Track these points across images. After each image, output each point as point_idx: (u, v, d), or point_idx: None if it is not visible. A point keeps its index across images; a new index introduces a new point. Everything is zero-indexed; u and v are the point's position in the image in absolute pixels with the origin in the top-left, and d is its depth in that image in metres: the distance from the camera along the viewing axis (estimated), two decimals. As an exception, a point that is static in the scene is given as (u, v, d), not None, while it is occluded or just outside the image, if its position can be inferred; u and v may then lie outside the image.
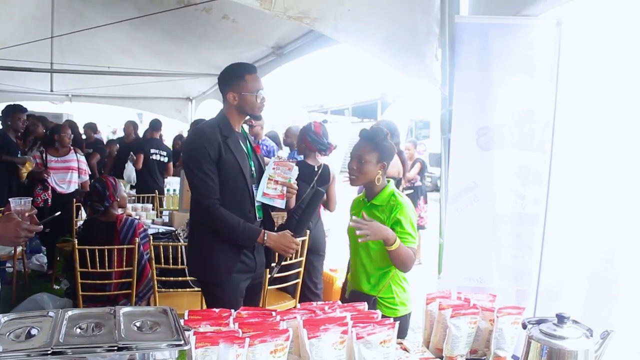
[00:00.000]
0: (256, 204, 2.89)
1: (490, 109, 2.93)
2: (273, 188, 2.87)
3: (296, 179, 2.96)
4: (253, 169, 2.91)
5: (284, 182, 2.88)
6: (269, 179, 2.87)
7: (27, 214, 2.06)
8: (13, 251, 5.14)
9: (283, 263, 3.83)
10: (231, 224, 2.74)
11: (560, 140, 2.84)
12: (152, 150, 7.53)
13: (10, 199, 2.10)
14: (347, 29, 3.08)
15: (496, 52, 2.87)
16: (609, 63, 2.75)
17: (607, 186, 2.78)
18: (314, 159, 4.50)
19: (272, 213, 3.09)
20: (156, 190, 6.79)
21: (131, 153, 7.65)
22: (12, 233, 1.97)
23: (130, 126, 9.00)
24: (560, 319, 1.82)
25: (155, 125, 8.14)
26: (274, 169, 2.89)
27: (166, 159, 7.64)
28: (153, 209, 5.97)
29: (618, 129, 2.73)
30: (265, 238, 2.79)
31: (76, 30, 6.05)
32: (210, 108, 9.37)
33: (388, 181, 2.77)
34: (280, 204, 2.90)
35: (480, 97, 2.93)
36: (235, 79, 2.83)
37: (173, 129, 12.29)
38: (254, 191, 2.88)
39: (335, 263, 5.43)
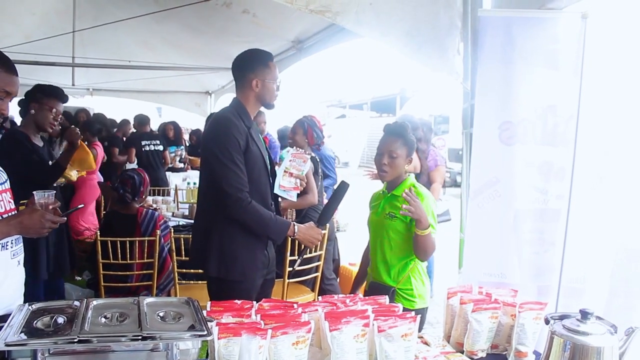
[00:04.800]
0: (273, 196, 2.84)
1: (513, 103, 2.90)
2: (288, 180, 2.83)
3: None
4: (267, 161, 2.84)
5: (298, 174, 2.84)
6: (284, 171, 2.83)
7: (50, 207, 2.08)
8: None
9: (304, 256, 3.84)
10: (264, 218, 2.63)
11: (584, 135, 2.80)
12: (143, 142, 7.62)
13: (34, 192, 2.11)
14: (369, 22, 3.07)
15: (520, 46, 2.84)
16: (635, 57, 2.71)
17: (630, 182, 2.75)
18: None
19: None
20: (159, 180, 6.84)
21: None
22: (37, 224, 1.99)
23: (128, 124, 9.10)
24: (584, 314, 1.80)
25: (142, 120, 8.32)
26: (290, 161, 2.85)
27: (161, 147, 7.71)
28: (174, 202, 6.02)
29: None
30: (296, 230, 2.69)
31: (97, 24, 6.11)
32: (230, 102, 9.42)
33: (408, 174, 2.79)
34: (294, 196, 2.87)
35: (502, 92, 2.91)
36: (260, 65, 2.72)
37: (192, 123, 12.39)
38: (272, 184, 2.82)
39: (354, 257, 5.43)
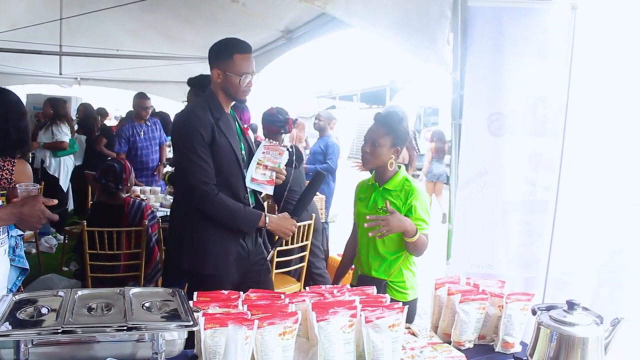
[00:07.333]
0: (247, 189, 2.76)
1: (503, 94, 2.90)
2: (262, 173, 2.71)
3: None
4: (243, 152, 2.77)
5: (274, 167, 2.74)
6: (257, 163, 2.72)
7: None
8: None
9: (285, 247, 3.83)
10: (233, 209, 2.60)
11: (573, 126, 2.81)
12: None
13: (17, 185, 2.08)
14: (358, 12, 3.04)
15: (509, 36, 2.83)
16: (624, 48, 2.71)
17: (619, 174, 2.76)
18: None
19: None
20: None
21: None
22: (35, 217, 1.94)
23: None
24: (571, 305, 1.81)
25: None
26: (263, 153, 2.74)
27: None
28: (162, 192, 5.98)
29: (632, 116, 2.71)
30: (267, 221, 2.66)
31: (85, 12, 6.02)
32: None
33: (399, 166, 2.75)
34: (269, 190, 2.78)
35: (492, 82, 2.90)
36: (222, 56, 2.63)
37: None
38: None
39: (342, 248, 5.44)
